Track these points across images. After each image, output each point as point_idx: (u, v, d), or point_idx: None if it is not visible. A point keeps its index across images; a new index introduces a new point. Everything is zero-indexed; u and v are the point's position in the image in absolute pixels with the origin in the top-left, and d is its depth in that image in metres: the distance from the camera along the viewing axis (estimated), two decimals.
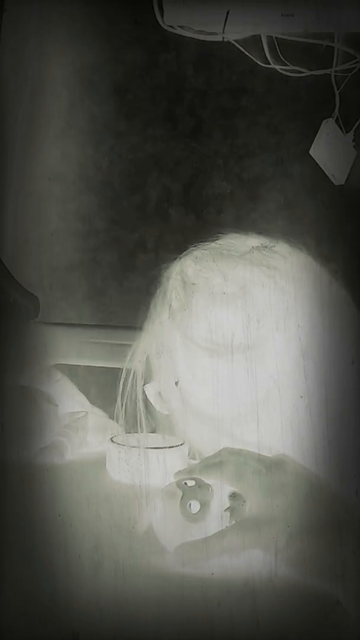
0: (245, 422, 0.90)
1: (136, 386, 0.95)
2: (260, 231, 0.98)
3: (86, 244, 1.46)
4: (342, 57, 1.32)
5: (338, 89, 1.34)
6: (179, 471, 0.85)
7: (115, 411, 0.95)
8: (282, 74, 1.35)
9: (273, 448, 0.86)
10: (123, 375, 0.95)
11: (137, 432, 0.95)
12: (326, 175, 1.33)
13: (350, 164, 1.33)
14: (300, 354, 0.90)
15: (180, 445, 0.97)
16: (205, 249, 0.96)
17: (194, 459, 0.97)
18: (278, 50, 1.33)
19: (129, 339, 0.99)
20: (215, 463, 0.84)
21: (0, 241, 1.35)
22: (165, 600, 0.78)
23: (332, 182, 1.33)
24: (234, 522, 0.81)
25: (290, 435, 0.88)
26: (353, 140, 1.33)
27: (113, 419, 1.01)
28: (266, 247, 0.95)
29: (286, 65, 1.34)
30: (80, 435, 1.08)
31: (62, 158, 1.44)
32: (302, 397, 0.89)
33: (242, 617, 0.76)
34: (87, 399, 1.16)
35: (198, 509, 0.81)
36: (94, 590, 0.79)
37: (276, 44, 1.33)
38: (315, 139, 1.33)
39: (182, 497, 0.82)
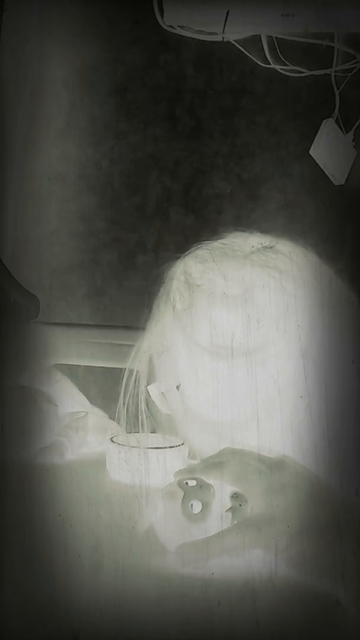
0: (245, 423, 0.90)
1: (138, 386, 0.95)
2: (262, 230, 0.98)
3: (86, 244, 1.46)
4: (342, 57, 1.32)
5: (338, 89, 1.34)
6: (180, 470, 0.85)
7: (117, 411, 0.95)
8: (282, 74, 1.35)
9: (273, 448, 0.86)
10: (125, 375, 0.95)
11: (137, 432, 0.95)
12: (326, 175, 1.33)
13: (350, 164, 1.33)
14: (300, 354, 0.90)
15: (180, 445, 0.97)
16: (209, 249, 0.96)
17: (194, 459, 0.97)
18: (278, 50, 1.33)
19: (129, 339, 0.99)
20: (216, 463, 0.84)
21: (0, 241, 1.35)
22: (165, 600, 0.78)
23: (332, 182, 1.33)
24: (235, 522, 0.81)
25: (290, 435, 0.88)
26: (353, 140, 1.33)
27: (113, 419, 1.01)
28: (269, 247, 0.95)
29: (286, 65, 1.34)
30: (80, 435, 1.08)
31: (62, 158, 1.44)
32: (302, 397, 0.89)
33: (242, 617, 0.76)
34: (87, 399, 1.16)
35: (200, 509, 0.81)
36: (94, 590, 0.79)
37: (276, 44, 1.33)
38: (315, 139, 1.33)
39: (183, 497, 0.82)
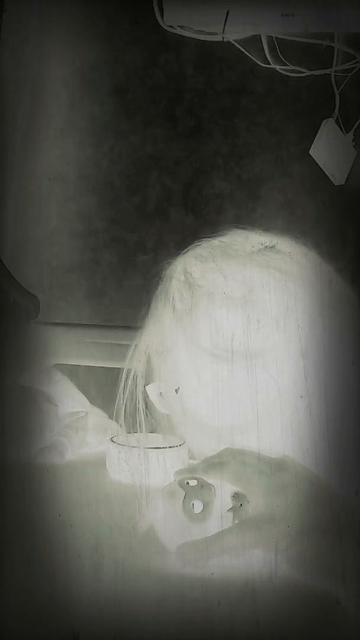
0: (245, 424, 0.90)
1: (137, 386, 0.95)
2: (263, 229, 0.98)
3: (86, 244, 1.46)
4: (342, 57, 1.32)
5: (338, 89, 1.34)
6: (180, 470, 0.85)
7: (116, 411, 0.95)
8: (282, 74, 1.35)
9: (273, 448, 0.86)
10: (124, 375, 0.95)
11: (137, 432, 0.95)
12: (326, 175, 1.33)
13: (350, 164, 1.33)
14: (300, 354, 0.90)
15: (180, 445, 0.97)
16: (209, 247, 0.96)
17: (193, 459, 0.97)
18: (278, 50, 1.33)
19: (129, 339, 0.98)
20: (216, 463, 0.84)
21: (0, 241, 1.35)
22: (165, 600, 0.78)
23: (332, 182, 1.33)
24: (236, 522, 0.81)
25: (290, 435, 0.88)
26: (353, 140, 1.33)
27: (113, 419, 1.01)
28: (269, 246, 0.95)
29: (286, 65, 1.34)
30: (80, 435, 1.08)
31: (62, 158, 1.44)
32: (302, 397, 0.89)
33: (242, 617, 0.76)
34: (87, 399, 1.16)
35: (201, 509, 0.81)
36: (94, 590, 0.79)
37: (276, 44, 1.33)
38: (315, 139, 1.33)
39: (184, 497, 0.82)
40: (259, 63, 1.35)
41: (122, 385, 0.95)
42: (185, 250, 0.97)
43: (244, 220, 1.40)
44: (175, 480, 0.84)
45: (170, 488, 0.83)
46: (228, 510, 0.81)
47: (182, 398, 0.94)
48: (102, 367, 1.29)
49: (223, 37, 1.32)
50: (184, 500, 0.82)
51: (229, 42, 1.34)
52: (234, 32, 1.31)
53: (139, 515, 0.86)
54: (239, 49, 1.34)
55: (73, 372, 1.24)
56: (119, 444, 0.97)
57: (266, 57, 1.34)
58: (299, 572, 0.79)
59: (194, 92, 1.43)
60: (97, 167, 1.45)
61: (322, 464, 0.86)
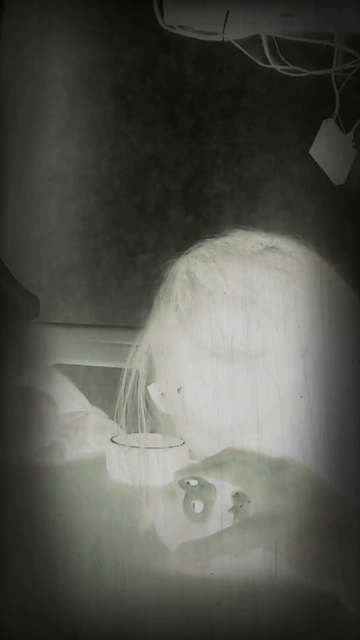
0: (246, 424, 0.90)
1: (138, 386, 0.94)
2: (263, 230, 0.98)
3: (86, 244, 1.46)
4: (342, 57, 1.32)
5: (338, 89, 1.34)
6: (180, 470, 0.85)
7: (116, 411, 0.95)
8: (282, 74, 1.35)
9: (274, 448, 0.86)
10: (125, 375, 0.95)
11: (137, 432, 0.95)
12: (326, 175, 1.33)
13: (350, 164, 1.33)
14: (300, 354, 0.90)
15: (180, 445, 0.97)
16: (212, 247, 0.96)
17: (194, 459, 0.97)
18: (278, 50, 1.33)
19: (129, 339, 0.98)
20: (217, 463, 0.84)
21: (0, 241, 1.35)
22: (165, 600, 0.78)
23: (332, 182, 1.33)
24: (237, 521, 0.81)
25: (290, 435, 0.88)
26: (353, 140, 1.33)
27: (113, 419, 1.01)
28: (270, 247, 0.95)
29: (286, 65, 1.34)
30: (80, 435, 1.08)
31: (62, 158, 1.45)
32: (302, 397, 0.89)
33: (242, 617, 0.76)
34: (87, 399, 1.16)
35: (202, 509, 0.81)
36: (94, 590, 0.79)
37: (276, 44, 1.33)
38: (315, 139, 1.33)
39: (185, 497, 0.82)
40: (259, 63, 1.35)
41: (123, 385, 0.95)
42: (188, 250, 0.97)
43: (244, 220, 1.40)
44: (175, 480, 0.84)
45: (171, 488, 0.83)
46: (229, 510, 0.81)
47: (183, 398, 0.94)
48: (102, 367, 1.29)
49: (223, 37, 1.32)
50: (184, 500, 0.82)
51: (229, 42, 1.34)
52: (234, 32, 1.31)
53: (139, 515, 0.86)
54: (239, 49, 1.34)
55: (73, 372, 1.24)
56: (119, 444, 0.97)
57: (266, 57, 1.34)
58: (299, 572, 0.79)
59: (194, 92, 1.43)
60: (97, 167, 1.45)
61: (322, 463, 0.86)
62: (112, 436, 1.00)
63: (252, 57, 1.35)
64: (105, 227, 1.46)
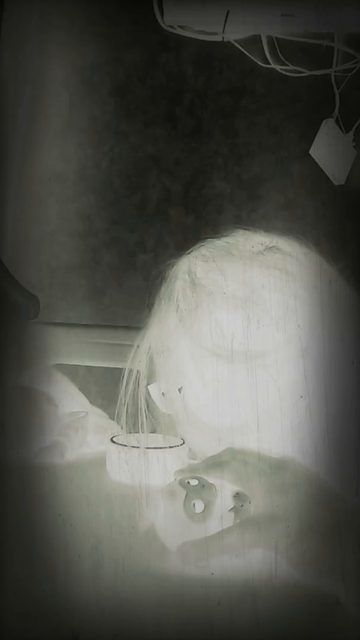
0: (246, 424, 0.90)
1: (138, 386, 0.94)
2: (263, 230, 0.98)
3: (86, 244, 1.46)
4: (342, 57, 1.33)
5: (338, 89, 1.34)
6: (180, 469, 0.85)
7: (117, 411, 0.95)
8: (282, 74, 1.35)
9: (274, 448, 0.86)
10: (125, 375, 0.95)
11: (137, 432, 0.95)
12: (326, 175, 1.33)
13: (350, 164, 1.33)
14: (300, 354, 0.90)
15: (180, 445, 0.97)
16: (213, 247, 0.96)
17: (194, 459, 0.97)
18: (278, 50, 1.34)
19: (129, 339, 0.98)
20: (217, 462, 0.84)
21: (0, 241, 1.35)
22: (165, 600, 0.78)
23: (332, 182, 1.33)
24: (238, 521, 0.81)
25: (290, 435, 0.88)
26: (353, 140, 1.33)
27: (113, 419, 1.01)
28: (270, 247, 0.95)
29: (286, 65, 1.34)
30: (80, 435, 1.08)
31: (62, 158, 1.45)
32: (302, 397, 0.89)
33: (242, 617, 0.76)
34: (87, 399, 1.16)
35: (202, 509, 0.81)
36: (94, 590, 0.79)
37: (276, 44, 1.33)
38: (315, 139, 1.33)
39: (185, 497, 0.82)
40: (259, 63, 1.35)
41: (123, 385, 0.95)
42: (190, 250, 0.97)
43: (244, 220, 1.40)
44: (175, 479, 0.84)
45: (171, 487, 0.83)
46: (229, 510, 0.81)
47: (184, 398, 0.94)
48: (102, 367, 1.29)
49: (223, 37, 1.32)
50: (185, 500, 0.82)
51: (229, 42, 1.34)
52: (234, 32, 1.31)
53: (139, 515, 0.86)
54: (239, 49, 1.34)
55: (73, 372, 1.24)
56: (119, 444, 0.96)
57: (266, 57, 1.34)
58: (299, 572, 0.79)
59: (194, 92, 1.43)
60: (97, 167, 1.45)
61: (323, 463, 0.86)
62: (112, 436, 1.00)
63: (252, 57, 1.35)
64: (105, 227, 1.46)
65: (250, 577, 0.79)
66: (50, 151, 1.43)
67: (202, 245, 0.96)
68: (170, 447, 0.97)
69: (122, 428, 0.96)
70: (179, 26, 1.33)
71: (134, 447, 0.95)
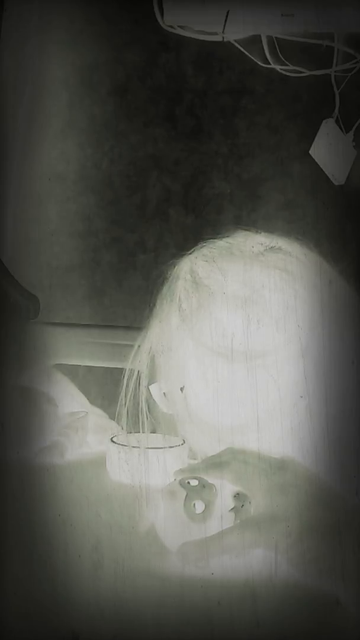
0: (246, 423, 0.90)
1: (139, 386, 0.94)
2: (263, 230, 0.98)
3: (86, 244, 1.46)
4: (342, 57, 1.33)
5: (338, 89, 1.34)
6: (180, 469, 0.85)
7: (118, 411, 0.95)
8: (282, 74, 1.35)
9: (274, 448, 0.86)
10: (126, 375, 0.95)
11: (137, 432, 0.95)
12: (326, 175, 1.33)
13: (350, 164, 1.33)
14: (300, 354, 0.90)
15: (180, 445, 0.97)
16: (215, 248, 0.96)
17: (194, 459, 0.97)
18: (278, 50, 1.34)
19: (129, 339, 0.98)
20: (218, 462, 0.84)
21: (0, 241, 1.35)
22: (165, 600, 0.78)
23: (332, 182, 1.33)
24: (238, 521, 0.81)
25: (290, 435, 0.88)
26: (353, 140, 1.33)
27: (113, 419, 1.01)
28: (271, 247, 0.95)
29: (286, 65, 1.34)
30: (80, 435, 1.08)
31: (62, 158, 1.45)
32: (302, 397, 0.89)
33: (242, 617, 0.76)
34: (87, 399, 1.16)
35: (202, 509, 0.81)
36: (94, 590, 0.79)
37: (276, 44, 1.33)
38: (315, 139, 1.33)
39: (186, 497, 0.82)
40: (259, 63, 1.35)
41: (124, 385, 0.95)
42: (192, 250, 0.97)
43: (244, 220, 1.40)
44: (175, 479, 0.84)
45: (171, 488, 0.83)
46: (229, 511, 0.81)
47: (186, 398, 0.94)
48: (102, 367, 1.29)
49: (223, 37, 1.32)
50: (185, 500, 0.82)
51: (229, 42, 1.34)
52: (234, 32, 1.31)
53: (139, 515, 0.86)
54: (239, 49, 1.34)
55: (73, 372, 1.24)
56: (119, 444, 0.96)
57: (266, 57, 1.34)
58: (299, 572, 0.79)
59: (194, 92, 1.43)
60: (97, 167, 1.45)
61: (323, 463, 0.86)
62: (112, 436, 1.00)
63: (252, 57, 1.35)
64: (105, 227, 1.46)
65: (250, 577, 0.79)
66: (50, 151, 1.44)
67: (204, 246, 0.96)
68: (170, 447, 0.97)
69: (122, 428, 0.96)
70: (179, 26, 1.33)
71: (134, 447, 0.95)
